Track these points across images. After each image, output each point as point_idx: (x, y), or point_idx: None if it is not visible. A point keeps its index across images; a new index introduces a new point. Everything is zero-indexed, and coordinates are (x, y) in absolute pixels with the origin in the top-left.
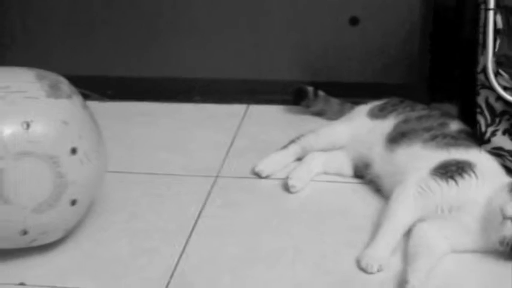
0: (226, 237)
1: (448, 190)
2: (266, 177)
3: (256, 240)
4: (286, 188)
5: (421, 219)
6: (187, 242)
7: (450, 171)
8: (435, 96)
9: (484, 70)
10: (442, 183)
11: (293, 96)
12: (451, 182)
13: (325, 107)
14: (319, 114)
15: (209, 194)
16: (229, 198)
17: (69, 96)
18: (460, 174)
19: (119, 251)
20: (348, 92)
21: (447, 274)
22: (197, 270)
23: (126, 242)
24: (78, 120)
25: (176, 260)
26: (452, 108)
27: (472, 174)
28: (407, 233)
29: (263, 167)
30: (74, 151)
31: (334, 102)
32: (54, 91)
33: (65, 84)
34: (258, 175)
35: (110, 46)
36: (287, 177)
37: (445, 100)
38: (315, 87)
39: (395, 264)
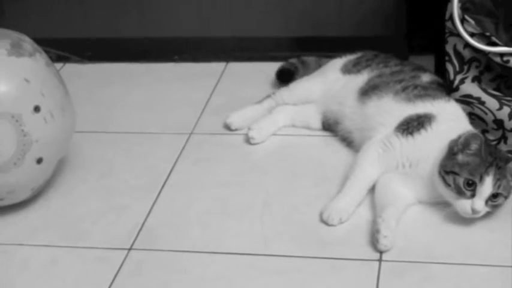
0: (196, 192)
1: (406, 146)
2: (236, 130)
3: (227, 194)
4: (247, 139)
5: (388, 172)
6: (157, 198)
7: (411, 126)
8: (413, 49)
9: (451, 17)
10: (402, 140)
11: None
12: (410, 138)
13: (301, 65)
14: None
15: (182, 150)
16: (202, 154)
17: (31, 55)
18: (419, 130)
19: (88, 208)
20: (324, 46)
21: (413, 223)
22: (166, 225)
23: (96, 200)
24: (40, 79)
25: (145, 216)
26: (430, 60)
27: (429, 129)
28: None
29: (233, 120)
30: (37, 109)
31: (311, 59)
32: (16, 50)
33: (27, 43)
34: (228, 127)
35: (88, 8)
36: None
37: (423, 52)
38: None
39: (361, 215)
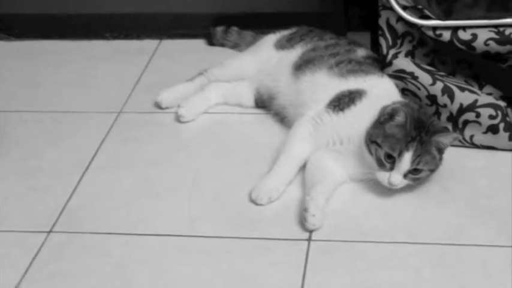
0: (122, 172)
1: (337, 122)
2: (166, 108)
3: (154, 174)
4: (177, 117)
5: (319, 150)
6: (81, 179)
7: (342, 103)
8: (351, 25)
9: None
10: (333, 116)
11: (206, 38)
12: (341, 114)
13: (238, 41)
14: (234, 47)
15: (110, 130)
16: (131, 133)
17: None
18: (349, 106)
19: (8, 190)
20: (262, 23)
21: (344, 201)
22: (89, 206)
23: (17, 181)
24: None
25: (67, 197)
26: (369, 37)
27: (359, 105)
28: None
29: (163, 98)
30: None
31: (248, 34)
32: None
33: None
34: (158, 106)
35: None
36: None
37: (361, 29)
38: (227, 25)
39: (292, 193)
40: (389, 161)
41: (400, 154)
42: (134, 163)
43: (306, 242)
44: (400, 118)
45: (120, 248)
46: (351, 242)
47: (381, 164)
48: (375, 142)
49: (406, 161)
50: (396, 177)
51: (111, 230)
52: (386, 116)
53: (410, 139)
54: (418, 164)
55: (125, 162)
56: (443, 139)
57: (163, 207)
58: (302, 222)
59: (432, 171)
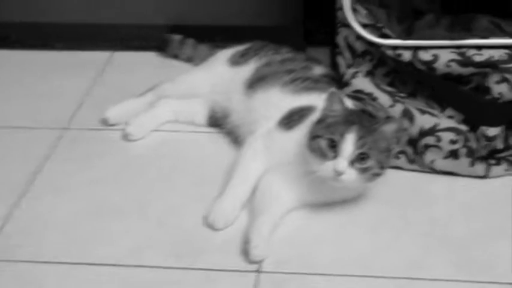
0: (64, 194)
1: (286, 141)
2: (113, 125)
3: (98, 196)
4: (124, 135)
5: (270, 171)
6: (18, 202)
7: (293, 120)
8: (311, 40)
9: (342, 6)
10: (283, 134)
11: (159, 45)
12: (290, 133)
13: (193, 54)
14: (188, 61)
15: (54, 147)
16: (76, 151)
17: None
18: (299, 124)
19: None
20: (219, 36)
21: (296, 229)
22: (25, 232)
23: None
24: None
25: (1, 222)
26: (327, 53)
27: (309, 122)
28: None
29: (111, 114)
30: None
31: (203, 48)
32: None
33: None
34: (105, 122)
35: None
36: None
37: (322, 44)
38: (184, 35)
39: (243, 219)
40: (333, 150)
41: (342, 136)
42: (77, 184)
43: (255, 274)
44: (337, 101)
45: (55, 278)
46: (302, 274)
47: (323, 155)
48: (316, 136)
49: (349, 143)
50: (341, 162)
51: (46, 259)
52: (325, 104)
53: (351, 123)
54: (362, 146)
55: (67, 184)
56: (386, 127)
57: (106, 233)
58: (245, 253)
59: (380, 164)
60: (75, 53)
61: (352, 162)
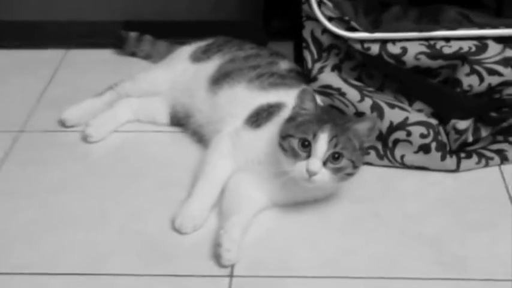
0: (21, 201)
1: (255, 139)
2: (72, 126)
3: (57, 202)
4: (84, 137)
5: (238, 171)
6: None
7: (261, 118)
8: (273, 34)
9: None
10: (250, 133)
11: (115, 43)
12: (258, 131)
13: (152, 51)
14: (146, 58)
15: (9, 151)
16: (32, 155)
17: None
18: (267, 121)
19: None
20: (177, 32)
21: (268, 230)
22: None
23: None
24: None
25: None
26: (291, 48)
27: (277, 119)
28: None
29: (69, 115)
30: None
31: (162, 45)
32: None
33: None
34: (62, 124)
35: None
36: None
37: (284, 38)
38: (140, 31)
39: (211, 222)
40: (305, 150)
41: (315, 136)
42: (35, 190)
43: (228, 279)
44: (308, 99)
45: None
46: (276, 277)
47: (296, 155)
48: (287, 135)
49: (322, 142)
50: (315, 162)
51: (6, 270)
52: (296, 102)
53: (323, 122)
54: (335, 146)
55: (24, 189)
56: (359, 125)
57: (67, 241)
58: (216, 257)
59: (354, 163)
60: (28, 52)
61: (325, 162)
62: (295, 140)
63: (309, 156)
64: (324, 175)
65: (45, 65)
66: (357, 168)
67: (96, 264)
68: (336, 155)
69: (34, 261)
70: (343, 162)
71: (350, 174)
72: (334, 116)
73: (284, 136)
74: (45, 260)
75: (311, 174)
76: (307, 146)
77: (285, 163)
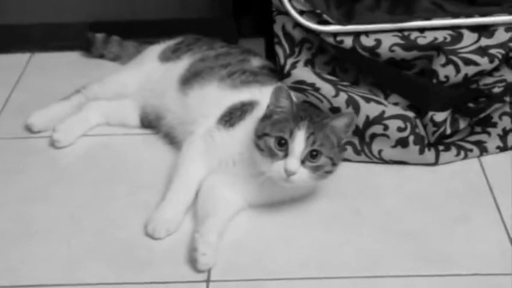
0: None
1: (228, 140)
2: (39, 132)
3: (26, 211)
4: (51, 142)
5: (213, 173)
6: None
7: (234, 117)
8: (243, 31)
9: None
10: (223, 133)
11: (82, 45)
12: (231, 130)
13: (120, 52)
14: (115, 59)
15: None
16: None
17: None
18: (240, 121)
19: None
20: (145, 32)
21: (245, 232)
22: None
23: None
24: None
25: None
26: (263, 44)
27: (251, 118)
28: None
29: (35, 120)
30: None
31: (130, 45)
32: None
33: None
34: (29, 129)
35: None
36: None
37: (254, 35)
38: (106, 32)
39: (186, 226)
40: (282, 148)
41: (292, 134)
42: (4, 200)
43: (204, 284)
44: (284, 96)
45: None
46: (255, 280)
47: (272, 155)
48: (263, 134)
49: (299, 140)
50: (292, 162)
51: None
52: (272, 100)
53: (300, 119)
54: (313, 143)
55: None
56: (336, 122)
57: (38, 251)
58: (192, 262)
59: (332, 161)
60: None
61: (303, 161)
62: (271, 138)
63: (286, 155)
64: (302, 174)
65: (9, 70)
66: (336, 165)
67: (68, 274)
68: (314, 153)
69: (2, 272)
70: (322, 160)
71: (329, 172)
72: (311, 113)
73: (260, 135)
74: (13, 271)
75: (289, 174)
76: (284, 144)
77: (262, 163)
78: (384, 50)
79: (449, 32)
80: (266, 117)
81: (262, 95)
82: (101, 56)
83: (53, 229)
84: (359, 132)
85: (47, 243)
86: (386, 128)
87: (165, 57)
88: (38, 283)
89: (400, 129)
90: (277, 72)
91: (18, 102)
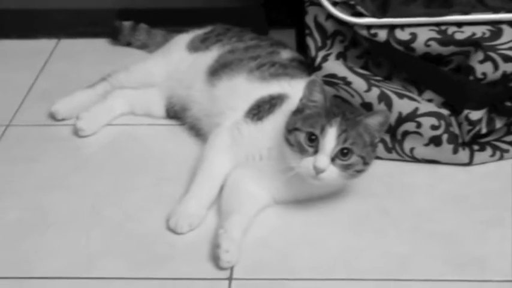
0: (9, 200)
1: (256, 133)
2: (63, 119)
3: (46, 200)
4: (75, 131)
5: (239, 167)
6: None
7: (262, 110)
8: (274, 22)
9: None
10: (251, 127)
11: (109, 33)
12: (259, 124)
13: (147, 41)
14: (142, 47)
15: None
16: (20, 151)
17: None
18: (269, 114)
19: None
20: (173, 21)
21: (270, 229)
22: None
23: None
24: None
25: None
26: (293, 35)
27: (280, 112)
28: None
29: (59, 108)
30: None
31: (158, 34)
32: None
33: None
34: (53, 117)
35: None
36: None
37: (285, 26)
38: (136, 20)
39: (210, 221)
40: (312, 144)
41: (323, 130)
42: (23, 188)
43: (227, 282)
44: (317, 90)
45: None
46: (278, 280)
47: (302, 150)
48: (294, 129)
49: (330, 137)
50: (322, 159)
51: None
52: (304, 93)
53: (332, 115)
54: (345, 141)
55: (12, 188)
56: (370, 120)
57: (57, 243)
58: (215, 259)
59: (364, 160)
60: (18, 42)
61: (333, 159)
62: (302, 133)
63: (316, 151)
64: (332, 172)
65: (36, 56)
66: (368, 164)
67: (84, 268)
68: (345, 151)
69: (18, 264)
70: (353, 158)
71: (360, 171)
72: (344, 109)
73: (290, 129)
74: (30, 263)
75: (318, 171)
76: (314, 140)
77: (291, 158)
78: (419, 45)
79: (489, 27)
80: (298, 111)
81: (291, 88)
82: (128, 44)
83: (72, 220)
84: (391, 130)
85: (64, 234)
86: (419, 125)
87: (194, 46)
88: (52, 275)
89: (433, 127)
90: (308, 65)
91: (43, 88)
